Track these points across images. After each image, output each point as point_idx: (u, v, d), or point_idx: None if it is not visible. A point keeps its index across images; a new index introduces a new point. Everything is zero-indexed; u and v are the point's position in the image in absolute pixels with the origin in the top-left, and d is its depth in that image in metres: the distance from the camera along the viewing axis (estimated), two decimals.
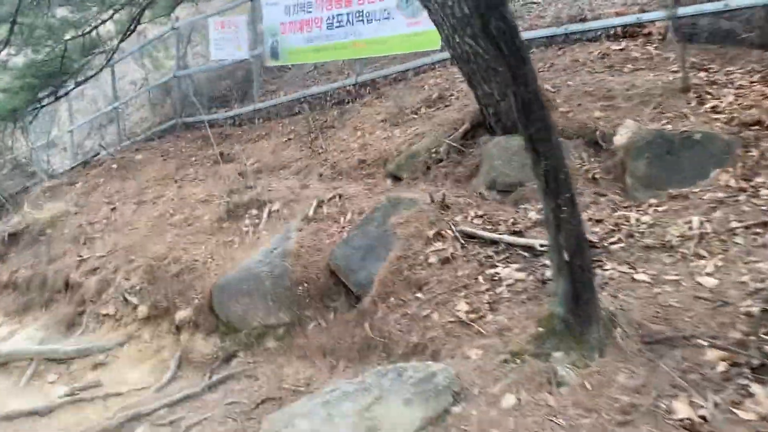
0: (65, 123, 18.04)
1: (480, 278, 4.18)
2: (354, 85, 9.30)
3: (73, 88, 11.45)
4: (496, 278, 4.13)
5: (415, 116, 6.77)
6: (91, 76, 11.59)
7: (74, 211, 9.35)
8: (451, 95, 6.75)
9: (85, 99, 19.11)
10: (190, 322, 5.33)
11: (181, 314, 5.36)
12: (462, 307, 4.00)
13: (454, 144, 5.56)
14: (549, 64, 6.52)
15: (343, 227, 5.20)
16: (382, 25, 8.72)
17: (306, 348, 4.58)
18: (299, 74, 12.29)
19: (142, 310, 5.64)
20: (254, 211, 6.09)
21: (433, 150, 5.65)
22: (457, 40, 5.35)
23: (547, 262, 4.11)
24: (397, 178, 5.88)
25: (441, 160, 5.58)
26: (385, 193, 5.52)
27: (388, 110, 7.27)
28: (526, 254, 4.30)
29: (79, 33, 9.70)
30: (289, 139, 8.83)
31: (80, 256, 7.31)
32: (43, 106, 10.86)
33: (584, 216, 3.96)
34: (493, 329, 3.68)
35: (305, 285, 4.88)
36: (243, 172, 8.00)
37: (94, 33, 10.45)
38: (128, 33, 10.88)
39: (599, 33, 6.85)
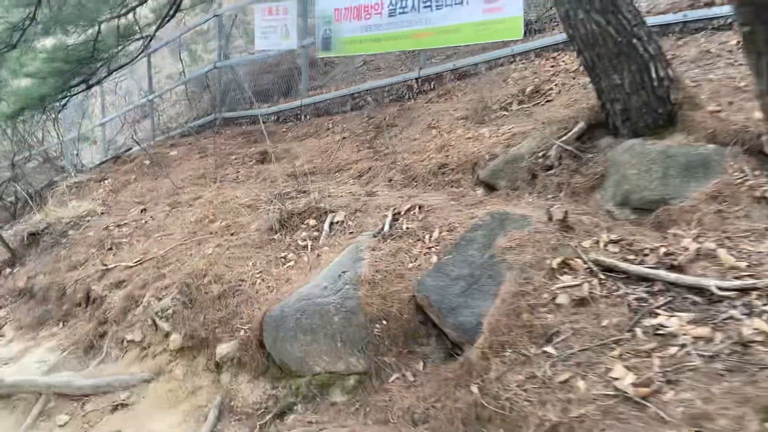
0: (97, 116, 17.23)
1: (638, 331, 3.02)
2: (417, 79, 8.18)
3: (107, 76, 10.51)
4: (663, 332, 2.96)
5: (506, 113, 5.63)
6: (126, 64, 10.66)
7: (101, 211, 8.37)
8: (550, 89, 5.59)
9: (118, 92, 18.26)
10: (234, 360, 4.24)
11: (223, 348, 4.27)
12: (620, 373, 2.84)
13: (568, 147, 4.40)
14: (670, 56, 5.31)
15: (430, 248, 4.07)
16: (453, 11, 7.59)
17: (387, 409, 3.45)
18: (348, 70, 11.24)
19: (175, 339, 4.56)
20: (312, 222, 5.00)
21: (540, 154, 4.50)
22: (581, 17, 4.20)
23: (734, 312, 2.95)
24: (490, 188, 4.74)
25: (551, 167, 4.43)
26: (479, 206, 4.39)
27: (467, 106, 6.13)
28: (697, 299, 3.12)
29: (114, 15, 8.71)
30: (344, 137, 7.73)
31: (105, 266, 6.28)
32: (74, 94, 9.93)
33: None
34: (682, 415, 2.51)
35: (384, 323, 3.76)
36: (295, 174, 6.92)
37: (130, 17, 9.49)
38: (167, 18, 9.91)
39: (728, 20, 5.62)
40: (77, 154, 14.75)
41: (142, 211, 8.05)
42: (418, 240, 4.19)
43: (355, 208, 4.90)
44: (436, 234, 4.17)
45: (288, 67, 11.99)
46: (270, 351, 4.07)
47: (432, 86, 8.02)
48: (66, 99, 10.44)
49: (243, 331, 4.29)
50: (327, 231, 4.77)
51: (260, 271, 4.68)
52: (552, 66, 6.08)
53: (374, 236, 4.40)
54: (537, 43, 6.95)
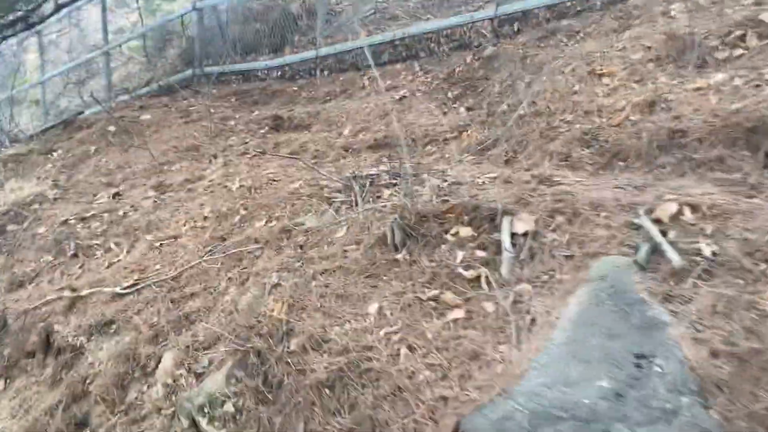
0: (33, 73, 14.16)
1: None
2: (493, 19, 5.90)
3: (54, 12, 7.76)
4: None
5: (741, 50, 3.46)
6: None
7: (53, 196, 5.81)
8: None
9: (59, 47, 15.21)
10: None
11: None
12: None
13: None
14: None
15: None
16: None
17: None
18: (352, 20, 8.84)
19: None
20: (464, 231, 2.75)
21: None
22: None
23: None
24: None
25: None
26: None
27: (646, 44, 3.92)
28: None
29: None
30: (404, 96, 5.42)
31: (73, 291, 3.83)
32: (11, 35, 7.15)
33: None
34: None
35: None
36: (349, 147, 4.59)
37: None
38: None
39: None
40: (11, 120, 11.74)
41: (114, 197, 5.56)
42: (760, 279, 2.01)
43: (545, 207, 2.66)
44: None
45: (278, 15, 9.51)
46: None
47: (516, 29, 5.77)
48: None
49: None
50: (510, 250, 2.52)
51: (398, 329, 2.41)
52: None
53: (640, 266, 2.19)
54: None
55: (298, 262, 3.05)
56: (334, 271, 2.85)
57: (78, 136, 7.50)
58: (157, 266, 3.76)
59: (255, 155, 5.61)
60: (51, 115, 12.17)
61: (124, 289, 3.61)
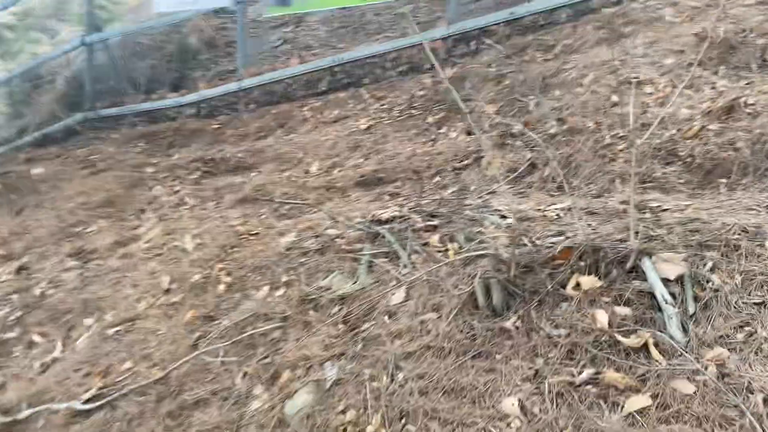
0: None
1: None
2: (446, 38, 5.38)
3: None
4: None
5: None
6: None
7: None
8: None
9: None
10: None
11: None
12: None
13: None
14: None
15: None
16: None
17: None
18: (262, 50, 8.10)
19: None
20: (594, 282, 2.07)
21: None
22: None
23: None
24: None
25: None
26: None
27: (683, 47, 3.50)
28: None
29: None
30: (371, 124, 4.73)
31: (4, 413, 2.73)
32: None
33: None
34: None
35: None
36: (333, 186, 3.81)
37: None
38: None
39: None
40: None
41: (19, 271, 4.36)
42: None
43: (683, 242, 2.07)
44: None
45: (175, 49, 8.51)
46: None
47: (474, 48, 5.28)
48: None
49: None
50: (672, 303, 1.89)
51: None
52: None
53: None
54: None
55: (356, 344, 2.22)
56: (420, 353, 2.06)
57: None
58: (127, 364, 2.74)
59: (179, 205, 4.66)
60: None
61: (87, 402, 2.56)
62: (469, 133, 3.79)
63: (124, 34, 7.34)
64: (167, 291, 3.30)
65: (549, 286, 2.10)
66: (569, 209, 2.56)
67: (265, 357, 2.43)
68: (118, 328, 3.14)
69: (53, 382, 2.83)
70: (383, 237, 2.81)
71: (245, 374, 2.39)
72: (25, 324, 3.64)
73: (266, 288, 2.85)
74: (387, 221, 2.94)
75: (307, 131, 5.30)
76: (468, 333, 2.07)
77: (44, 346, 3.37)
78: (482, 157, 3.38)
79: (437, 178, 3.50)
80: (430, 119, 4.31)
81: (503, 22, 5.09)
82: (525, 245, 2.27)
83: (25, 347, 3.46)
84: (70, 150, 6.70)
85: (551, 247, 2.23)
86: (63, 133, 7.29)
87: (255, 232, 3.52)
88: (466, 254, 2.26)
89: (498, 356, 1.98)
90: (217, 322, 2.81)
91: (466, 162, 3.48)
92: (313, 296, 2.63)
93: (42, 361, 3.21)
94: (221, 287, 3.04)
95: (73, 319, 3.51)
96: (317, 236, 3.05)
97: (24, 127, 8.82)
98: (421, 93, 5.00)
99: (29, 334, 3.55)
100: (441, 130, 4.13)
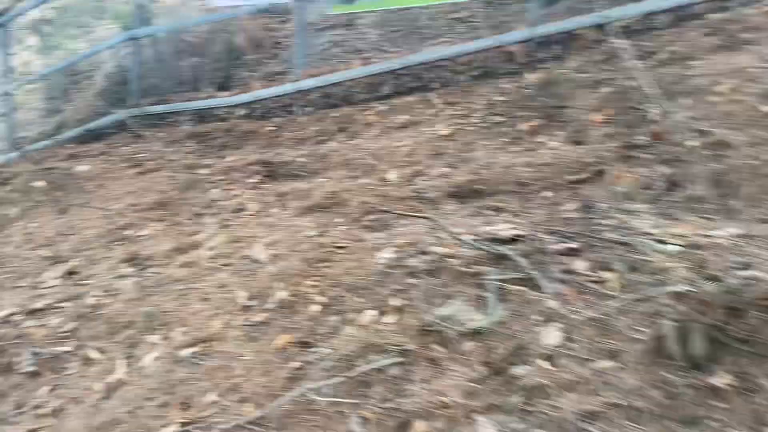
0: None
1: None
2: (526, 41, 4.97)
3: None
4: None
5: None
6: None
7: None
8: None
9: None
10: None
11: None
12: None
13: None
14: None
15: None
16: None
17: None
18: (311, 52, 7.74)
19: None
20: None
21: None
22: None
23: None
24: None
25: None
26: None
27: None
28: None
29: None
30: (455, 130, 4.32)
31: None
32: None
33: None
34: None
35: None
36: (418, 196, 3.39)
37: None
38: None
39: None
40: None
41: (68, 276, 3.98)
42: None
43: None
44: None
45: (221, 48, 8.17)
46: None
47: (558, 52, 4.86)
48: None
49: None
50: None
51: None
52: None
53: None
54: None
55: (511, 394, 1.79)
56: (607, 413, 1.63)
57: None
58: (210, 396, 2.33)
59: (240, 211, 4.28)
60: None
61: None
62: (577, 143, 3.35)
63: (172, 30, 6.96)
64: (246, 308, 2.89)
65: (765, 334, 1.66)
66: (745, 236, 2.12)
67: (387, 400, 2.01)
68: (192, 350, 2.74)
69: (124, 412, 2.43)
70: (509, 259, 2.38)
71: (364, 420, 1.97)
72: (79, 337, 3.26)
73: (371, 312, 2.43)
74: (508, 241, 2.51)
75: (374, 136, 4.90)
76: (664, 390, 1.64)
77: (104, 364, 2.97)
78: (603, 170, 2.95)
79: (548, 193, 3.07)
80: (521, 126, 3.88)
81: (593, 26, 4.66)
82: (715, 280, 1.84)
83: (81, 364, 3.07)
84: (114, 147, 6.36)
85: (749, 283, 1.79)
86: (106, 129, 6.96)
87: (341, 245, 3.10)
88: (643, 289, 1.82)
89: (712, 423, 1.55)
90: (315, 350, 2.40)
91: (583, 175, 3.05)
92: (436, 327, 2.20)
93: (104, 382, 2.81)
94: (314, 308, 2.63)
95: (135, 334, 3.11)
96: (423, 253, 2.63)
97: (62, 123, 8.53)
98: (501, 99, 4.60)
99: (85, 349, 3.16)
100: (537, 139, 3.71)
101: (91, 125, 6.89)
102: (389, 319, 2.35)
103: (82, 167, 5.76)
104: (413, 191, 3.48)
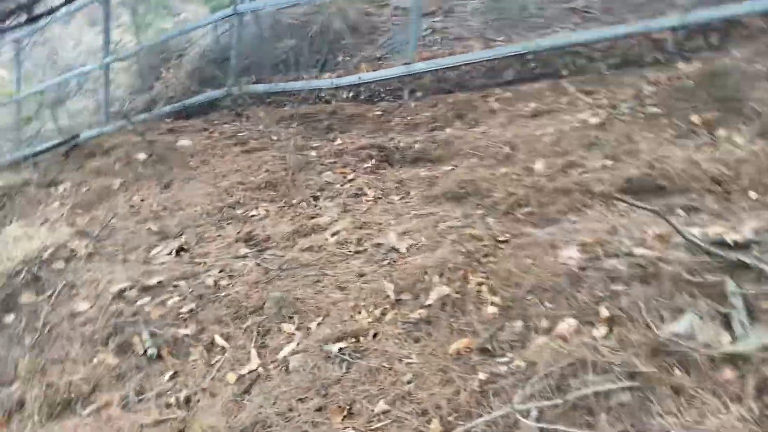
0: None
1: None
2: (678, 28, 4.42)
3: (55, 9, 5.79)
4: None
5: None
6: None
7: (86, 250, 3.85)
8: None
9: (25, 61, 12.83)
10: None
11: None
12: None
13: None
14: None
15: None
16: None
17: None
18: (401, 39, 7.37)
19: None
20: None
21: None
22: None
23: None
24: None
25: None
26: None
27: None
28: None
29: None
30: (604, 121, 3.83)
31: None
32: (7, 29, 5.19)
33: None
34: None
35: None
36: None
37: None
38: None
39: None
40: None
41: (179, 252, 3.68)
42: None
43: None
44: None
45: (319, 30, 7.87)
46: None
47: (717, 41, 4.30)
48: None
49: None
50: None
51: None
52: None
53: None
54: None
55: None
56: None
57: (91, 165, 5.53)
58: (380, 404, 1.95)
59: (357, 195, 3.90)
60: (23, 141, 9.93)
61: None
62: None
63: (277, 4, 6.65)
64: (398, 302, 2.50)
65: None
66: None
67: None
68: (339, 345, 2.36)
69: (272, 413, 2.06)
70: (749, 268, 1.90)
71: None
72: (200, 319, 2.94)
73: (571, 321, 2.00)
74: (740, 246, 2.03)
75: (501, 124, 4.45)
76: None
77: (232, 352, 2.64)
78: None
79: (754, 194, 2.56)
80: (694, 119, 3.36)
81: (761, 13, 4.09)
82: None
83: (204, 349, 2.75)
84: (214, 124, 6.11)
85: None
86: (204, 106, 6.73)
87: (501, 238, 2.68)
88: None
89: None
90: (501, 360, 1.98)
91: None
92: (667, 347, 1.75)
93: (237, 373, 2.46)
94: (489, 309, 2.21)
95: (264, 321, 2.77)
96: (628, 255, 2.17)
97: (156, 99, 8.41)
98: (652, 89, 4.08)
99: (207, 333, 2.84)
100: (718, 133, 3.18)
101: (189, 101, 6.67)
102: (600, 331, 1.91)
103: (184, 142, 5.52)
104: (575, 184, 3.02)
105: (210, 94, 6.60)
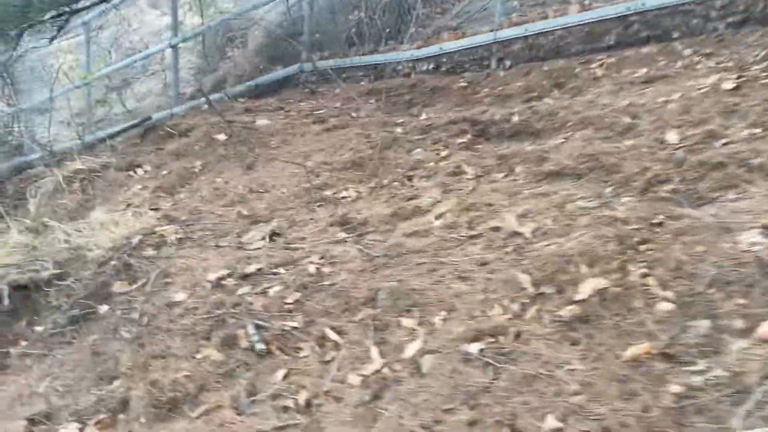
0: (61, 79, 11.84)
1: None
2: None
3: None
4: None
5: None
6: None
7: (174, 234, 3.66)
8: None
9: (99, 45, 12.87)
10: None
11: None
12: None
13: None
14: None
15: None
16: None
17: None
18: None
19: None
20: None
21: None
22: None
23: None
24: None
25: None
26: None
27: None
28: None
29: None
30: (738, 86, 3.36)
31: None
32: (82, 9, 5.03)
33: None
34: None
35: None
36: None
37: None
38: None
39: None
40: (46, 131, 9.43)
41: (272, 238, 3.43)
42: None
43: None
44: None
45: (387, 2, 7.51)
46: None
47: None
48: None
49: None
50: None
51: None
52: None
53: None
54: None
55: None
56: None
57: (169, 147, 5.37)
58: (549, 420, 1.64)
59: (456, 173, 3.57)
60: (87, 125, 9.92)
61: None
62: None
63: None
64: (540, 296, 2.17)
65: None
66: None
67: None
68: (477, 346, 2.06)
69: (417, 426, 1.79)
70: None
71: None
72: (307, 311, 2.68)
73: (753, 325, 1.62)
74: None
75: (610, 92, 4.04)
76: None
77: (348, 349, 2.38)
78: None
79: None
80: None
81: None
82: None
83: (316, 344, 2.49)
84: (290, 103, 5.87)
85: None
86: (275, 84, 6.49)
87: (654, 221, 2.31)
88: None
89: None
90: (695, 368, 1.63)
91: None
92: None
93: (359, 373, 2.20)
94: (662, 306, 1.86)
95: (380, 315, 2.50)
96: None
97: (223, 79, 8.23)
98: None
99: (317, 326, 2.58)
100: None
101: (261, 79, 6.44)
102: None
103: (262, 121, 5.30)
104: (727, 157, 2.61)
105: (284, 71, 6.34)
